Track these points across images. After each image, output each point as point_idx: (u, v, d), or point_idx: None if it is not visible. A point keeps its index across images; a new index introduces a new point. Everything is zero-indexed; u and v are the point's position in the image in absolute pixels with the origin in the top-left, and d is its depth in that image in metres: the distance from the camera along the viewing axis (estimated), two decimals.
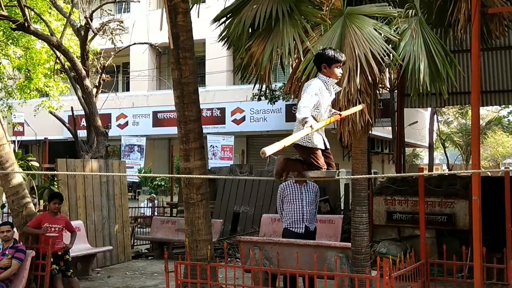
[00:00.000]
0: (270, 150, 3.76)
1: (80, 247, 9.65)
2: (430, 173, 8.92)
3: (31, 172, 8.88)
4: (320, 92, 4.32)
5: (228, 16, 6.73)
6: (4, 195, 8.98)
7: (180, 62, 7.27)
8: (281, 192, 7.59)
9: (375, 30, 5.84)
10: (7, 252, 7.27)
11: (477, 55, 6.02)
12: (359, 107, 5.25)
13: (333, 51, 4.47)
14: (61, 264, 7.81)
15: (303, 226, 7.35)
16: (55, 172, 10.01)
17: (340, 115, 4.66)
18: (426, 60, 5.87)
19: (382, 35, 5.86)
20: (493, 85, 12.16)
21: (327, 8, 6.06)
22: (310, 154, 4.41)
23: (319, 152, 4.43)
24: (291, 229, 7.39)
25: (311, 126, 4.06)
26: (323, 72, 4.44)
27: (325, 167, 4.43)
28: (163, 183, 22.05)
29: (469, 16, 6.13)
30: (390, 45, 5.86)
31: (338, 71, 4.47)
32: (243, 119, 20.42)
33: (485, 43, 7.43)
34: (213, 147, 18.42)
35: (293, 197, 7.44)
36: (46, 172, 11.00)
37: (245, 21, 6.27)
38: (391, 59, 6.06)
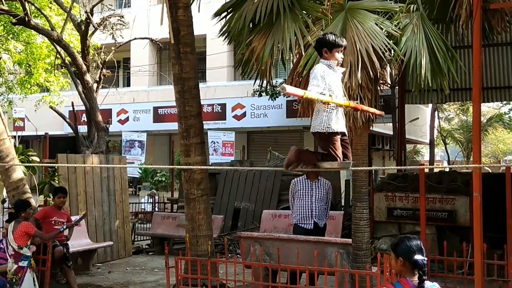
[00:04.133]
0: (290, 89, 3.82)
1: (81, 243, 9.66)
2: (430, 166, 8.89)
3: (32, 164, 8.86)
4: (325, 73, 4.32)
5: (229, 11, 6.71)
6: (4, 190, 8.98)
7: (181, 57, 7.26)
8: (292, 188, 7.60)
9: (377, 25, 5.82)
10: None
11: (478, 51, 5.99)
12: (376, 111, 5.26)
13: (333, 36, 4.48)
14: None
15: (312, 222, 7.35)
16: (56, 164, 9.97)
17: (357, 103, 4.65)
18: (428, 56, 5.84)
19: (384, 30, 5.84)
20: (494, 81, 12.13)
21: (328, 3, 6.03)
22: (329, 143, 4.37)
23: (338, 142, 4.39)
24: (300, 225, 7.40)
25: (330, 95, 4.09)
26: (324, 57, 4.45)
27: (341, 157, 4.40)
28: (163, 179, 22.05)
29: (470, 11, 6.09)
30: (391, 40, 5.83)
31: (339, 56, 4.47)
32: (244, 115, 20.40)
33: (486, 39, 7.40)
34: (214, 143, 18.39)
35: (303, 192, 7.45)
36: (47, 164, 10.97)
37: (246, 16, 6.25)
38: (392, 54, 6.04)
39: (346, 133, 4.54)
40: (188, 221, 7.51)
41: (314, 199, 7.39)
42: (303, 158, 4.63)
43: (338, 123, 4.39)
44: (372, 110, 5.21)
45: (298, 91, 3.97)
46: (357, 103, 4.67)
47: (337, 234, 9.52)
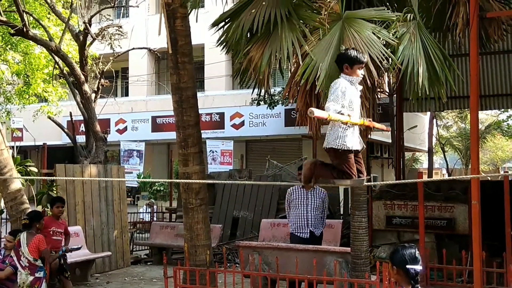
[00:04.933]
0: (317, 112, 3.91)
1: (79, 253, 9.60)
2: (428, 180, 8.92)
3: (30, 177, 8.86)
4: (346, 89, 4.33)
5: (226, 21, 6.72)
6: (2, 201, 8.96)
7: (179, 67, 7.27)
8: (288, 197, 7.62)
9: (374, 34, 5.83)
10: (7, 261, 7.25)
11: (475, 60, 6.01)
12: (384, 127, 5.30)
13: (355, 52, 4.49)
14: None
15: (308, 231, 7.35)
16: (53, 178, 9.98)
17: (370, 121, 4.68)
18: (425, 64, 5.86)
19: (381, 39, 5.85)
20: (492, 89, 12.14)
21: (325, 12, 6.05)
22: (343, 161, 4.37)
23: (352, 159, 4.40)
24: (296, 234, 7.41)
25: (349, 115, 4.10)
26: (345, 72, 4.46)
27: (356, 175, 4.41)
28: (162, 188, 22.02)
29: (467, 20, 6.13)
30: (388, 49, 5.85)
31: (360, 72, 4.49)
32: (242, 123, 20.41)
33: (483, 47, 7.43)
34: (213, 152, 18.38)
35: (299, 201, 7.45)
36: (45, 178, 10.97)
37: (244, 26, 6.26)
38: (389, 63, 6.05)
39: (360, 148, 4.53)
40: (186, 231, 7.50)
41: (310, 208, 7.40)
42: (318, 173, 4.63)
43: (353, 141, 4.40)
44: (382, 127, 5.26)
45: (323, 114, 4.01)
46: (370, 120, 4.69)
47: (336, 243, 9.49)
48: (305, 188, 7.49)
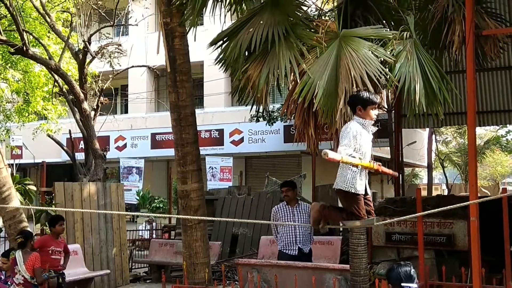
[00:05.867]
0: (331, 154, 4.03)
1: (78, 271, 9.59)
2: (426, 193, 8.92)
3: (28, 197, 8.87)
4: (357, 133, 4.38)
5: (224, 39, 6.77)
6: (0, 219, 8.95)
7: (177, 85, 7.32)
8: (274, 215, 7.59)
9: (371, 52, 5.87)
10: (9, 282, 7.23)
11: (472, 77, 6.04)
12: (391, 172, 5.36)
13: (367, 93, 4.56)
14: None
15: (297, 248, 7.32)
16: (52, 196, 9.98)
17: (379, 165, 4.75)
18: (422, 81, 5.89)
19: (378, 57, 5.89)
20: (489, 105, 12.19)
21: (322, 31, 6.10)
22: (352, 203, 4.44)
23: (362, 201, 4.46)
24: (285, 251, 7.37)
25: (360, 158, 4.15)
26: (358, 114, 4.52)
27: (365, 217, 4.45)
28: (161, 205, 21.97)
29: (463, 38, 6.17)
30: (385, 67, 5.88)
31: (373, 113, 4.53)
32: (242, 140, 20.45)
33: (480, 65, 7.48)
34: (212, 168, 18.41)
35: (286, 219, 7.42)
36: (45, 192, 10.98)
37: (242, 44, 6.31)
38: (387, 80, 6.09)
39: (369, 192, 4.59)
40: (185, 249, 7.48)
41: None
42: (327, 215, 4.68)
43: (362, 184, 4.49)
44: (389, 171, 5.35)
45: (337, 156, 4.11)
46: (379, 165, 4.75)
47: (336, 260, 9.47)
48: (290, 205, 7.48)
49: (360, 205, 4.41)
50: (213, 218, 9.84)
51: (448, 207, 4.36)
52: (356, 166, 4.27)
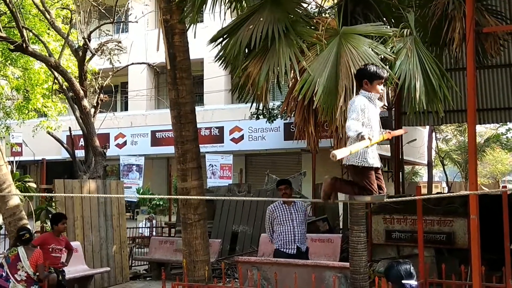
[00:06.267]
0: (340, 154, 3.86)
1: (78, 268, 9.58)
2: (428, 196, 8.92)
3: (27, 194, 8.86)
4: (365, 107, 4.30)
5: (224, 36, 6.76)
6: (0, 217, 8.95)
7: (177, 82, 7.31)
8: (270, 214, 7.57)
9: (371, 49, 5.86)
10: (10, 279, 7.23)
11: (472, 75, 6.03)
12: (402, 131, 5.27)
13: (375, 67, 4.47)
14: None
15: (295, 246, 7.33)
16: (52, 194, 9.97)
17: (389, 133, 4.61)
18: (422, 79, 5.88)
19: (378, 54, 5.88)
20: (489, 103, 12.18)
21: (322, 28, 6.09)
22: (364, 177, 4.34)
23: (373, 175, 4.38)
24: (282, 250, 7.36)
25: (369, 138, 4.07)
26: (365, 88, 4.43)
27: (377, 191, 4.37)
28: (161, 203, 21.97)
29: (464, 35, 6.16)
30: (386, 64, 5.87)
31: (380, 87, 4.45)
32: (242, 137, 20.42)
33: (480, 62, 7.46)
34: (212, 166, 18.39)
35: (283, 218, 7.42)
36: (43, 194, 10.96)
37: (242, 42, 6.30)
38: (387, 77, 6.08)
39: (380, 165, 4.51)
40: (185, 246, 7.48)
41: (295, 223, 7.38)
42: (338, 188, 4.60)
43: (374, 158, 4.38)
44: (400, 132, 5.29)
45: (345, 152, 3.97)
46: (389, 132, 4.60)
47: (335, 258, 9.47)
48: (286, 204, 7.47)
49: (372, 179, 4.32)
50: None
51: (447, 194, 4.34)
52: (367, 146, 4.17)
